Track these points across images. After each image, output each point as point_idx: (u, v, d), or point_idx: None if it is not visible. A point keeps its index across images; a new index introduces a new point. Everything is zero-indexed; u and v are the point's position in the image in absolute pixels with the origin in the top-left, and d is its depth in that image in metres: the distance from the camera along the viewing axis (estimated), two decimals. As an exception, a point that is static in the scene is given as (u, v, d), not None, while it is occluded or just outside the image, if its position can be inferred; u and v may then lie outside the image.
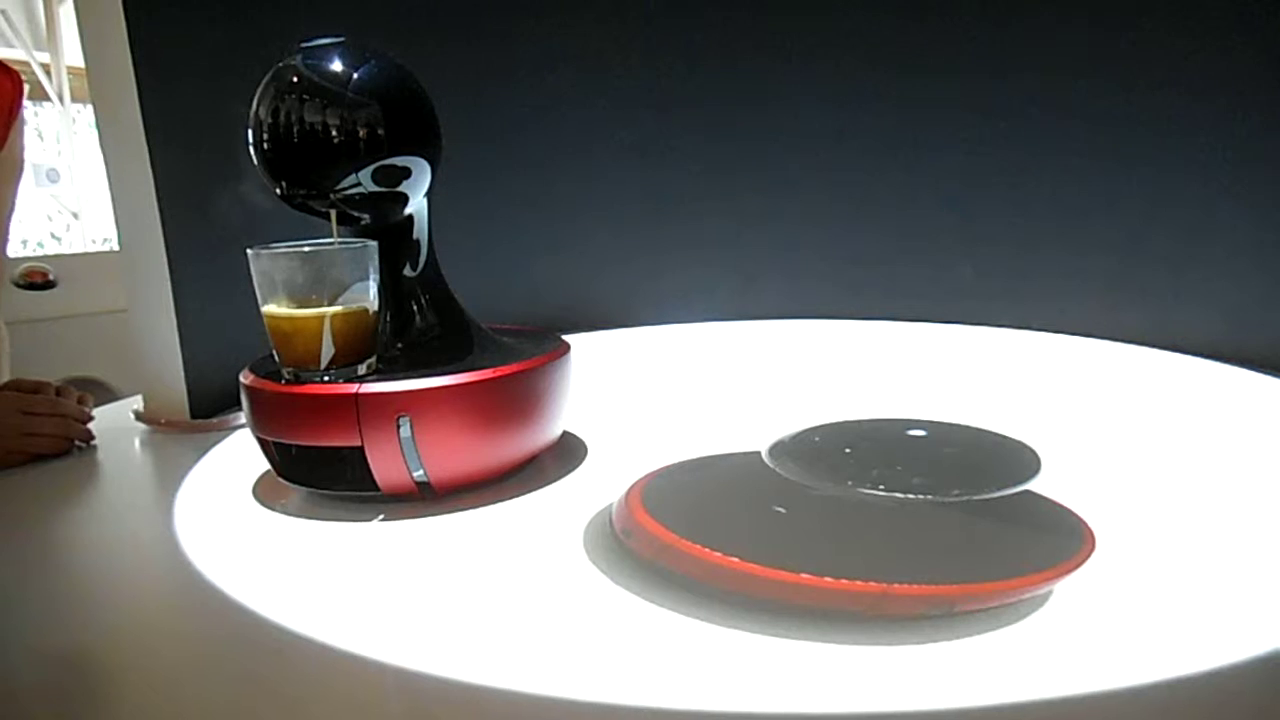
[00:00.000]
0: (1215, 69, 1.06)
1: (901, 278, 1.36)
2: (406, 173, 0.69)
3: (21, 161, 1.19)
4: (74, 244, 3.20)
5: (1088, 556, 0.51)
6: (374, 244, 0.68)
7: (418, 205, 0.73)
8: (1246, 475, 0.72)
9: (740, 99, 1.37)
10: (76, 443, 0.87)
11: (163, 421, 0.94)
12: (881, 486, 0.56)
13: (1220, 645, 0.45)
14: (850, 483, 0.57)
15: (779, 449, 0.62)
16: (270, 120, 0.65)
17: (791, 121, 1.36)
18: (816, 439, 0.64)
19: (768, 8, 1.33)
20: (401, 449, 0.65)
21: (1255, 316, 1.08)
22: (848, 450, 0.62)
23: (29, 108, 3.02)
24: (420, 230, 0.74)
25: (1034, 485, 0.56)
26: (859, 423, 0.68)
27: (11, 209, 1.17)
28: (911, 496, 0.55)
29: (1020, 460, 0.59)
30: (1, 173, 1.13)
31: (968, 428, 0.66)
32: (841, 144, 1.34)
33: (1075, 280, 1.23)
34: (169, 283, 0.93)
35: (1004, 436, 0.63)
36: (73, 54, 3.00)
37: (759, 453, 0.62)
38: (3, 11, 2.84)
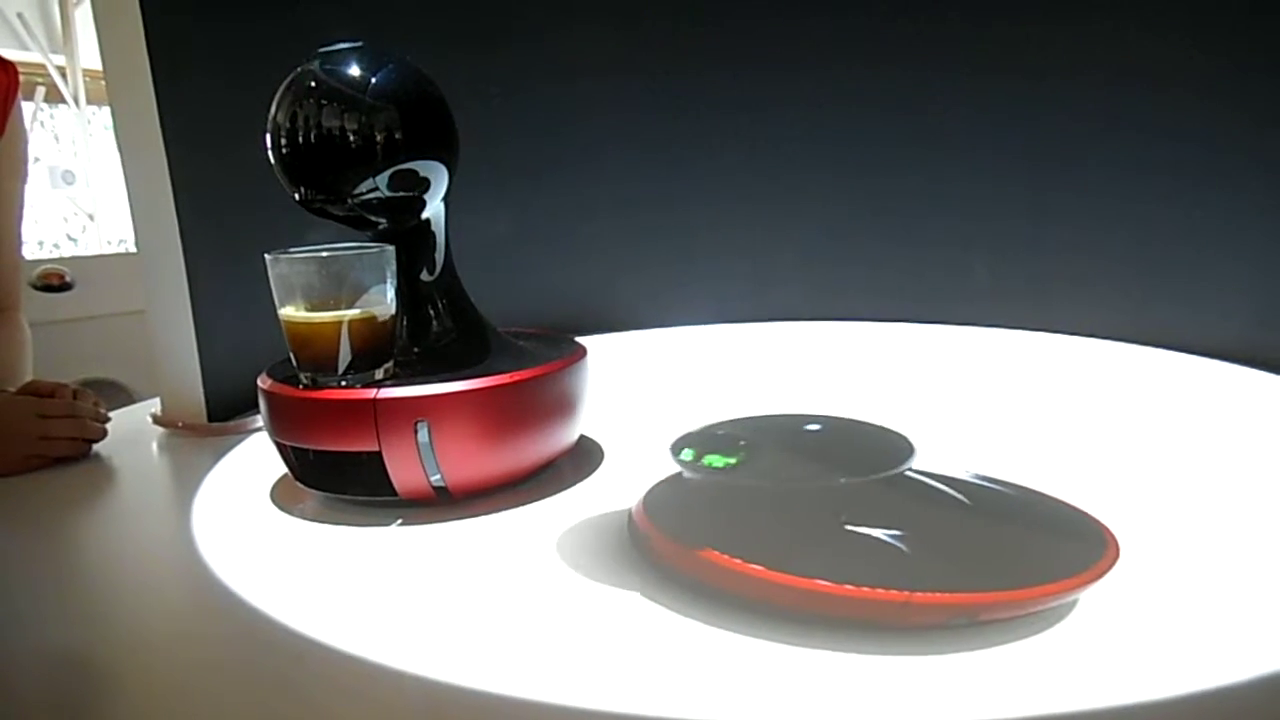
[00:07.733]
0: (1234, 71, 1.05)
1: (917, 280, 1.35)
2: (424, 178, 0.69)
3: (26, 159, 1.15)
4: (90, 246, 3.21)
5: (1112, 564, 0.51)
6: (391, 248, 0.68)
7: (435, 209, 0.73)
8: (1274, 480, 0.71)
9: (754, 101, 1.37)
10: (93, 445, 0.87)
11: (180, 425, 0.95)
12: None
13: (1255, 656, 0.45)
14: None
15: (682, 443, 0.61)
16: (288, 125, 0.65)
17: (805, 124, 1.36)
18: (720, 432, 0.63)
19: (780, 11, 1.32)
20: (419, 454, 0.65)
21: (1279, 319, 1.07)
22: (743, 442, 0.61)
23: (45, 110, 3.04)
24: (437, 234, 0.74)
25: (908, 470, 0.56)
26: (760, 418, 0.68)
27: (21, 210, 1.15)
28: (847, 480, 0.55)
29: (895, 447, 0.58)
30: (3, 168, 1.10)
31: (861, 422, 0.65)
32: (856, 147, 1.34)
33: (1094, 283, 1.22)
34: (186, 285, 0.94)
35: (878, 426, 0.62)
36: (88, 56, 3.02)
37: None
38: (19, 14, 2.86)
